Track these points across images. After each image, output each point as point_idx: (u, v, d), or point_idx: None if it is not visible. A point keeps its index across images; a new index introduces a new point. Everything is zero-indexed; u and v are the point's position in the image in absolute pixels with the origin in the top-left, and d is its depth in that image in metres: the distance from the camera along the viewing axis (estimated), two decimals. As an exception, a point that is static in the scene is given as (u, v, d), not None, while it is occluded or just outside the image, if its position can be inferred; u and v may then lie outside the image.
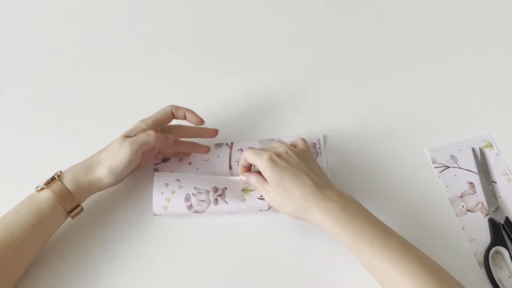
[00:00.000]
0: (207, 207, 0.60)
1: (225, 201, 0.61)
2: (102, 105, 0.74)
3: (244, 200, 0.61)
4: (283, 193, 0.54)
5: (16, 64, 0.79)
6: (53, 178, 0.55)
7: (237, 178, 0.63)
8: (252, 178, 0.59)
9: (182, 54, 0.80)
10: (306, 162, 0.56)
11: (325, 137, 0.68)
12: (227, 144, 0.68)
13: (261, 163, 0.56)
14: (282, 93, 0.74)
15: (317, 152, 0.67)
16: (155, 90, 0.75)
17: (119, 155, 0.56)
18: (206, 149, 0.66)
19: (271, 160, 0.55)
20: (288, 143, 0.62)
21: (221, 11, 0.86)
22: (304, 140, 0.62)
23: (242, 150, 0.67)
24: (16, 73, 0.78)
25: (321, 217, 0.52)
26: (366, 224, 0.51)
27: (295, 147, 0.60)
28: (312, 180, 0.54)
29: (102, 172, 0.56)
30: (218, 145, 0.68)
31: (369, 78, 0.76)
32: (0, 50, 0.82)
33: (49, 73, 0.78)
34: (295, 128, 0.70)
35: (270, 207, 0.60)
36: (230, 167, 0.66)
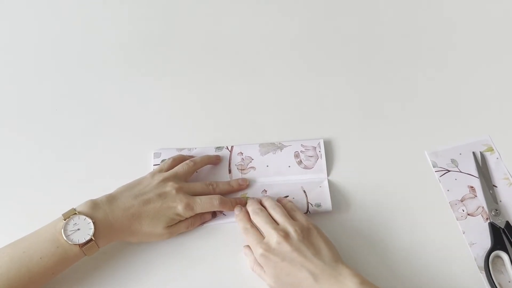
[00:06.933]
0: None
1: (223, 213, 0.62)
2: (102, 113, 0.74)
3: None
4: (283, 285, 0.54)
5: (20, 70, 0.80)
6: (90, 240, 0.53)
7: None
8: (250, 262, 0.57)
9: (179, 56, 0.78)
10: (301, 248, 0.53)
11: (325, 141, 0.68)
12: (227, 148, 0.68)
13: (256, 256, 0.55)
14: (283, 96, 0.74)
15: (317, 155, 0.67)
16: (153, 92, 0.74)
17: (156, 238, 0.59)
18: (218, 159, 0.67)
19: (265, 256, 0.54)
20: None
21: (221, 10, 0.85)
22: (299, 211, 0.59)
23: (242, 153, 0.67)
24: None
25: None
26: None
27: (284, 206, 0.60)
28: (309, 271, 0.52)
29: (134, 241, 0.59)
30: (218, 148, 0.68)
31: (370, 81, 0.75)
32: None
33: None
34: (295, 132, 0.70)
35: None
36: (230, 171, 0.66)
